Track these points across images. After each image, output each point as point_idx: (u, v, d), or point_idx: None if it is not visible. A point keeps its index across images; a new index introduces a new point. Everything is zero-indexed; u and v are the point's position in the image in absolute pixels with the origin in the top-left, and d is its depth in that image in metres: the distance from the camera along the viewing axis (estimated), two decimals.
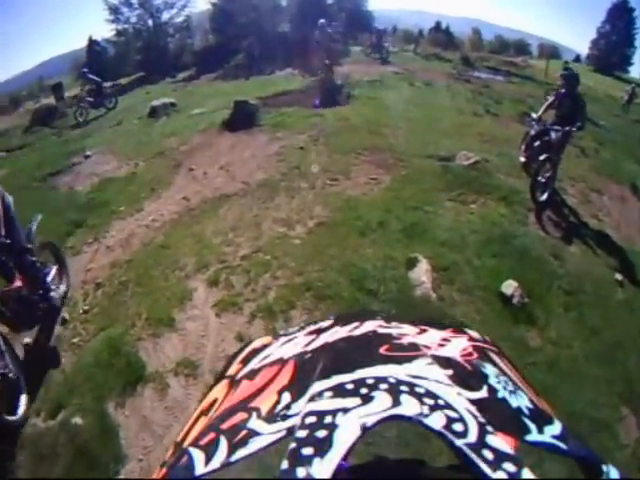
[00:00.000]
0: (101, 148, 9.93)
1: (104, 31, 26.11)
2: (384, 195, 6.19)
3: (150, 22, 25.05)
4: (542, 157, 6.45)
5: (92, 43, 26.23)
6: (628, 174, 8.86)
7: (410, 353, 0.80)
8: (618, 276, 5.32)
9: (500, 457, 0.55)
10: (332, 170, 6.84)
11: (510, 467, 0.54)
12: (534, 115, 7.45)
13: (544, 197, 6.39)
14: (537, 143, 7.08)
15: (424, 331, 0.98)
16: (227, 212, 6.08)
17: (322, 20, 12.26)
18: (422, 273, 4.65)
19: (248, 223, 5.72)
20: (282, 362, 0.88)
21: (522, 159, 7.57)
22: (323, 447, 0.56)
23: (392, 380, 0.69)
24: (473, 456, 0.55)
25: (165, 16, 25.29)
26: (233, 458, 0.61)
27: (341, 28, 20.05)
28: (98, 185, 8.07)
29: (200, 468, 0.62)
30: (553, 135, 6.58)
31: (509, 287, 4.56)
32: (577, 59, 38.81)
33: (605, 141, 11.18)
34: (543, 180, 6.43)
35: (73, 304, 5.07)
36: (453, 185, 6.50)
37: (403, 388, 0.67)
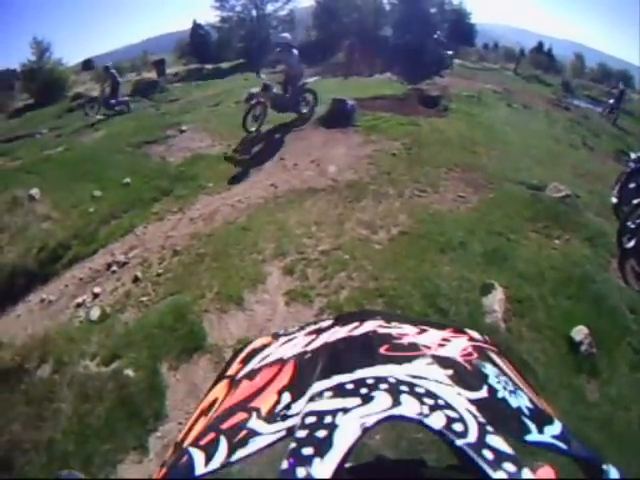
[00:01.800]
0: (196, 125, 10.30)
1: (209, 16, 27.27)
2: (470, 215, 6.09)
3: (254, 12, 26.06)
4: (636, 201, 6.08)
5: (196, 26, 27.53)
6: None
7: (410, 353, 0.81)
8: None
9: (500, 457, 0.56)
10: (421, 181, 6.80)
11: (510, 467, 0.55)
12: (633, 155, 7.07)
13: (631, 244, 5.98)
14: (632, 185, 6.74)
15: (424, 331, 0.99)
16: (312, 206, 6.17)
17: (285, 34, 10.18)
18: (495, 301, 4.55)
19: (332, 220, 5.79)
20: (282, 362, 0.90)
21: (614, 200, 7.20)
22: (323, 447, 0.56)
23: (392, 380, 0.70)
24: (473, 456, 0.56)
25: (269, 8, 26.31)
26: (233, 458, 0.63)
27: (444, 38, 19.82)
28: (190, 159, 8.47)
29: (200, 468, 0.64)
30: None
31: (579, 333, 4.35)
32: None
33: None
34: (633, 226, 6.01)
35: (148, 265, 5.41)
36: (540, 216, 6.27)
37: (403, 388, 0.68)
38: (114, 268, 5.54)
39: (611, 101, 17.61)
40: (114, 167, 8.21)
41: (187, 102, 14.38)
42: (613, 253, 5.96)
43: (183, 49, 28.44)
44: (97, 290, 5.16)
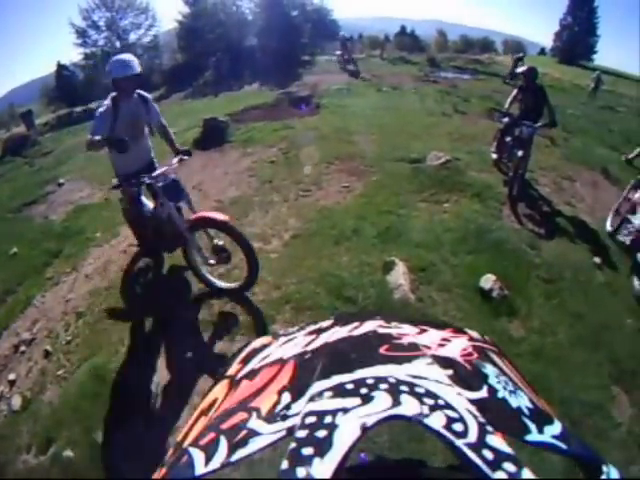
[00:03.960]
0: (74, 175, 9.83)
1: (73, 55, 26.24)
2: (357, 202, 6.20)
3: (118, 44, 25.26)
4: (520, 154, 6.49)
5: (60, 68, 26.21)
6: (599, 159, 9.07)
7: (410, 353, 0.81)
8: (596, 259, 5.37)
9: (500, 457, 0.56)
10: (304, 181, 6.85)
11: (510, 467, 0.55)
12: (502, 110, 7.53)
13: (515, 190, 6.48)
14: (508, 139, 7.19)
15: (424, 331, 0.99)
16: None
17: (124, 56, 4.12)
18: (399, 276, 4.65)
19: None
20: (282, 362, 0.89)
21: (494, 156, 7.68)
22: (323, 447, 0.56)
23: (392, 380, 0.70)
24: (473, 456, 0.56)
25: (132, 37, 25.73)
26: (233, 458, 0.61)
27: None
28: (73, 213, 7.95)
29: (200, 468, 0.63)
30: (525, 131, 6.61)
31: (487, 281, 4.59)
32: (542, 52, 39.91)
33: (574, 129, 11.41)
34: (517, 175, 6.53)
35: (55, 335, 4.98)
36: (425, 186, 6.55)
37: (403, 388, 0.67)
38: (22, 348, 5.00)
39: (519, 70, 19.38)
40: None
41: (61, 152, 13.54)
42: (502, 202, 6.37)
43: (49, 95, 26.83)
44: (12, 377, 4.63)
